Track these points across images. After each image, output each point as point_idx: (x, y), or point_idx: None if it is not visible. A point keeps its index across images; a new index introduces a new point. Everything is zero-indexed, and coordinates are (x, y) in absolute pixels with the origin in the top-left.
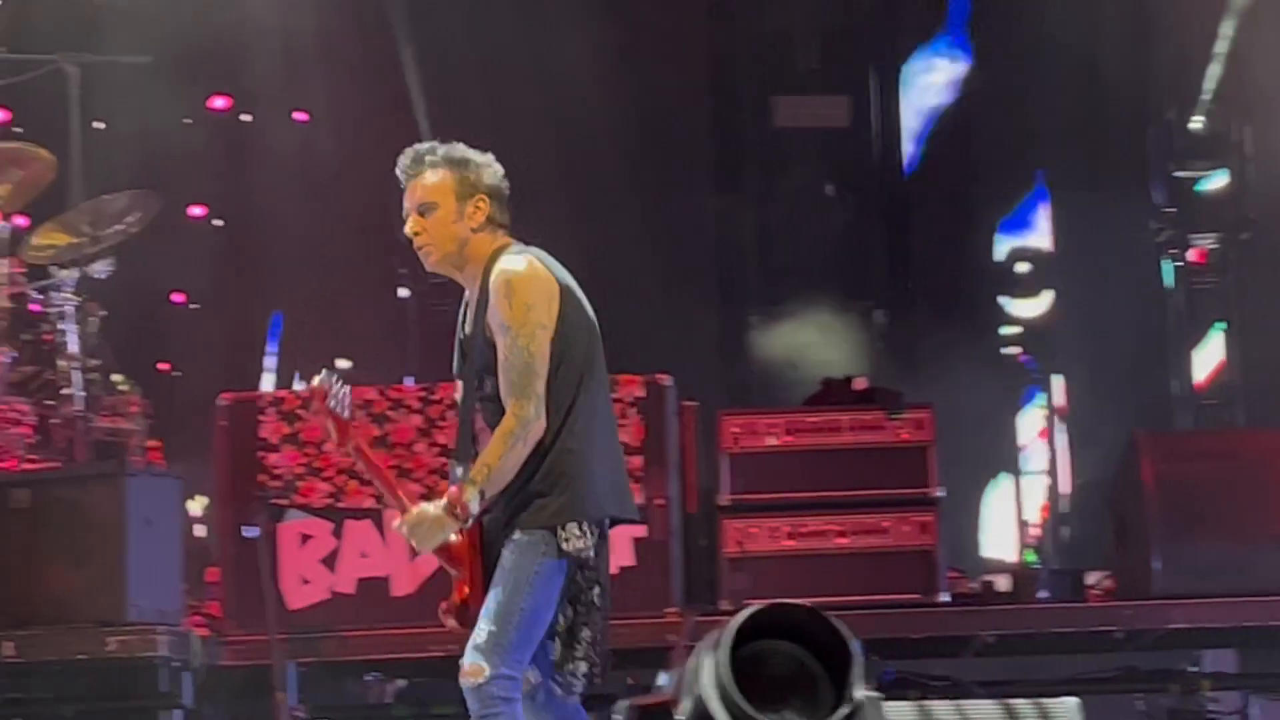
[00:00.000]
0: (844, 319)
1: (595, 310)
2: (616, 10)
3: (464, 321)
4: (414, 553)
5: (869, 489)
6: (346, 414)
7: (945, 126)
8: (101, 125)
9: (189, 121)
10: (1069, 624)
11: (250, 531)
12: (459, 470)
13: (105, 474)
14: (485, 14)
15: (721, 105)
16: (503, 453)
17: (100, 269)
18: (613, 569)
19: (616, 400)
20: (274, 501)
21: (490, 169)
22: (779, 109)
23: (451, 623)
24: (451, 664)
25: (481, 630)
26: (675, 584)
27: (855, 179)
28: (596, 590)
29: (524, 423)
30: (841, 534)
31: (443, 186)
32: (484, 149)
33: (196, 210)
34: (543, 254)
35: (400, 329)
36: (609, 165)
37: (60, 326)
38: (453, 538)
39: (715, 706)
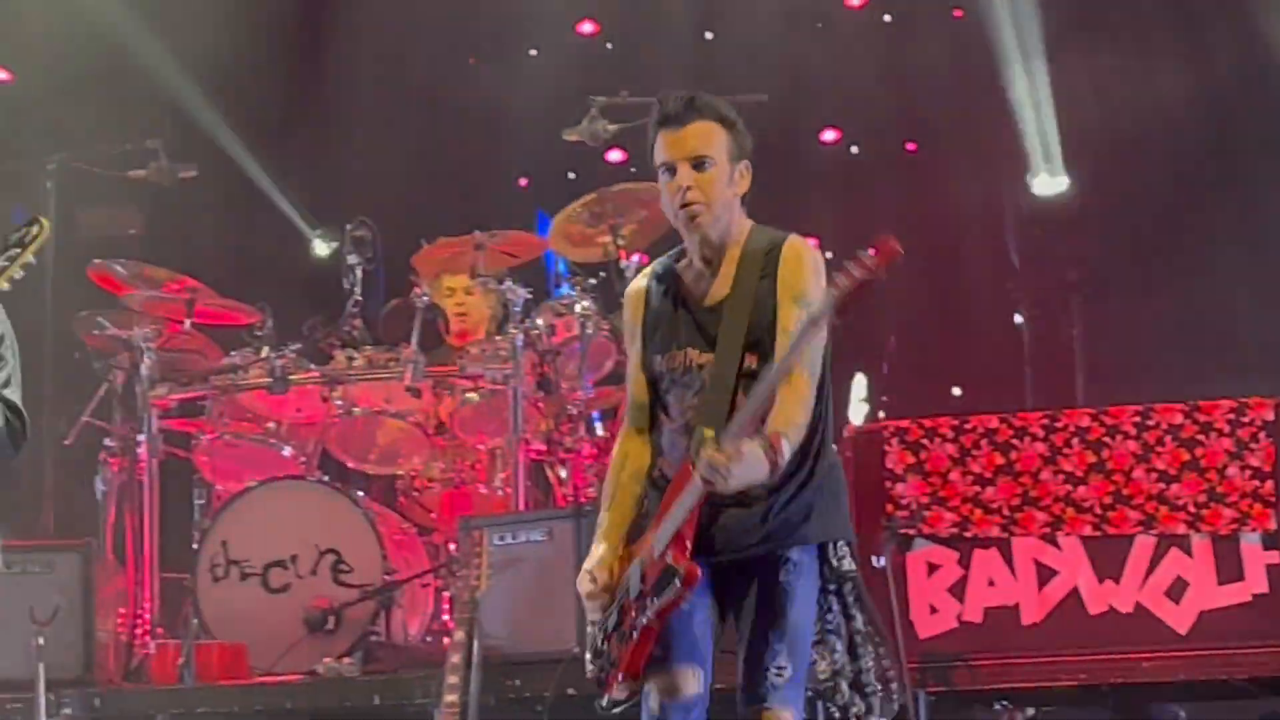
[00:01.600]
0: None
1: None
2: None
3: (675, 289)
4: (1040, 581)
5: None
6: None
7: None
8: None
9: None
10: None
11: (878, 561)
12: (699, 432)
13: None
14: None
15: None
16: (804, 416)
17: None
18: (1245, 596)
19: (1246, 424)
20: (901, 531)
21: (749, 135)
22: None
23: (589, 586)
24: (1085, 693)
25: (783, 670)
26: None
27: None
28: (862, 618)
29: (813, 399)
30: None
31: (719, 142)
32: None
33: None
34: None
35: (1013, 354)
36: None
37: None
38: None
39: None
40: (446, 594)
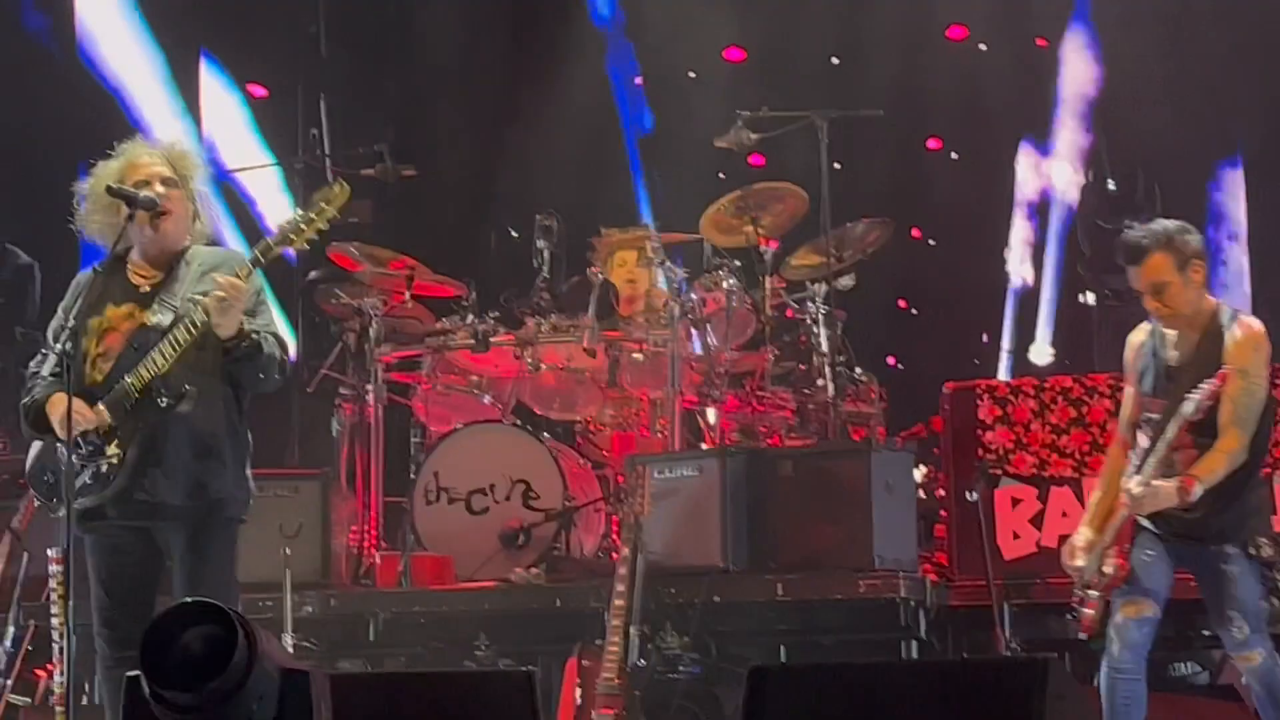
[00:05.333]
0: None
1: None
2: None
3: (1159, 351)
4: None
5: None
6: None
7: None
8: (838, 166)
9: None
10: None
11: (971, 496)
12: (1134, 465)
13: (854, 449)
14: None
15: None
16: (1225, 466)
17: (844, 282)
18: None
19: None
20: (990, 471)
21: (1193, 235)
22: None
23: (1078, 563)
24: None
25: (1242, 628)
26: None
27: None
28: None
29: (1243, 448)
30: None
31: (1166, 267)
32: None
33: (917, 233)
34: None
35: (1084, 328)
36: None
37: (814, 330)
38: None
39: None
40: (615, 518)
